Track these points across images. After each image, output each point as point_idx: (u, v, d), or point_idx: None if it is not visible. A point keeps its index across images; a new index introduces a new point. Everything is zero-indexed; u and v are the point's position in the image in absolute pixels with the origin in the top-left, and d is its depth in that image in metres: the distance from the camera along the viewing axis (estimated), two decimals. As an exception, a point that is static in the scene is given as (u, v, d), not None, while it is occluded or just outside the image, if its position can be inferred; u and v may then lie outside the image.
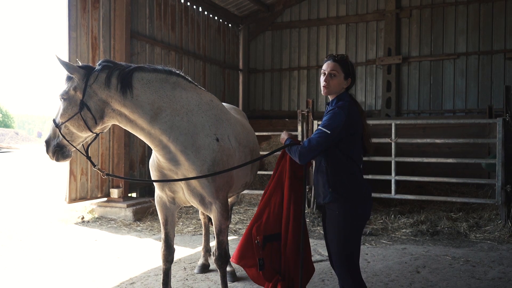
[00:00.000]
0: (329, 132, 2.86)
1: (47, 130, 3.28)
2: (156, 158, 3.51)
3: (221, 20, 12.35)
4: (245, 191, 8.30)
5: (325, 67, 3.03)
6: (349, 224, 2.95)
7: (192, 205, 3.71)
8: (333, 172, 2.97)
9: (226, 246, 3.81)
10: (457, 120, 8.78)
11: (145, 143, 8.90)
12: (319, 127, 2.92)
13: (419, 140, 7.68)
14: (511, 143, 6.72)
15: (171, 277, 4.51)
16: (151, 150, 9.06)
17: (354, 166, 3.00)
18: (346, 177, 2.98)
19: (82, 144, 3.38)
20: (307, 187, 7.02)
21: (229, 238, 5.93)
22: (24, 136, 64.40)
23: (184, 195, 3.57)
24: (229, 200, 4.20)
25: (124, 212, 7.77)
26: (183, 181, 3.43)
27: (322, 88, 3.05)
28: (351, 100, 3.05)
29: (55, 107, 3.33)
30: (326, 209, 3.06)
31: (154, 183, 3.64)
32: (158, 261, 5.26)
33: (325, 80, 3.02)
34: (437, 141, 7.48)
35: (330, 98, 3.10)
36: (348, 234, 2.95)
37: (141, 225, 7.42)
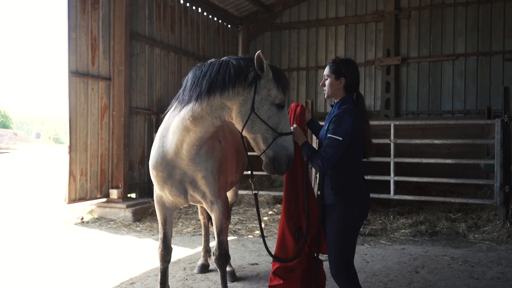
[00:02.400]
0: (341, 138, 2.93)
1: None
2: (174, 153, 3.33)
3: (220, 21, 12.36)
4: (244, 192, 8.31)
5: None
6: (346, 224, 3.04)
7: (191, 206, 3.73)
8: (336, 175, 3.06)
9: (226, 246, 3.83)
10: (455, 121, 8.78)
11: (144, 143, 9.07)
12: (329, 135, 2.98)
13: (418, 141, 7.70)
14: (509, 143, 6.73)
15: (171, 277, 4.53)
16: (150, 151, 9.17)
17: (356, 168, 3.09)
18: (348, 180, 3.06)
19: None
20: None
21: (229, 238, 5.94)
22: (22, 136, 64.39)
23: (184, 200, 3.59)
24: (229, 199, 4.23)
25: (123, 212, 7.78)
26: (188, 182, 3.46)
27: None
28: (354, 102, 3.12)
29: (270, 116, 2.96)
30: (327, 209, 3.14)
31: (154, 182, 3.60)
32: (157, 261, 5.26)
33: (322, 84, 3.21)
34: (436, 141, 7.49)
35: (334, 100, 3.20)
36: (345, 233, 3.04)
37: (140, 225, 7.43)
